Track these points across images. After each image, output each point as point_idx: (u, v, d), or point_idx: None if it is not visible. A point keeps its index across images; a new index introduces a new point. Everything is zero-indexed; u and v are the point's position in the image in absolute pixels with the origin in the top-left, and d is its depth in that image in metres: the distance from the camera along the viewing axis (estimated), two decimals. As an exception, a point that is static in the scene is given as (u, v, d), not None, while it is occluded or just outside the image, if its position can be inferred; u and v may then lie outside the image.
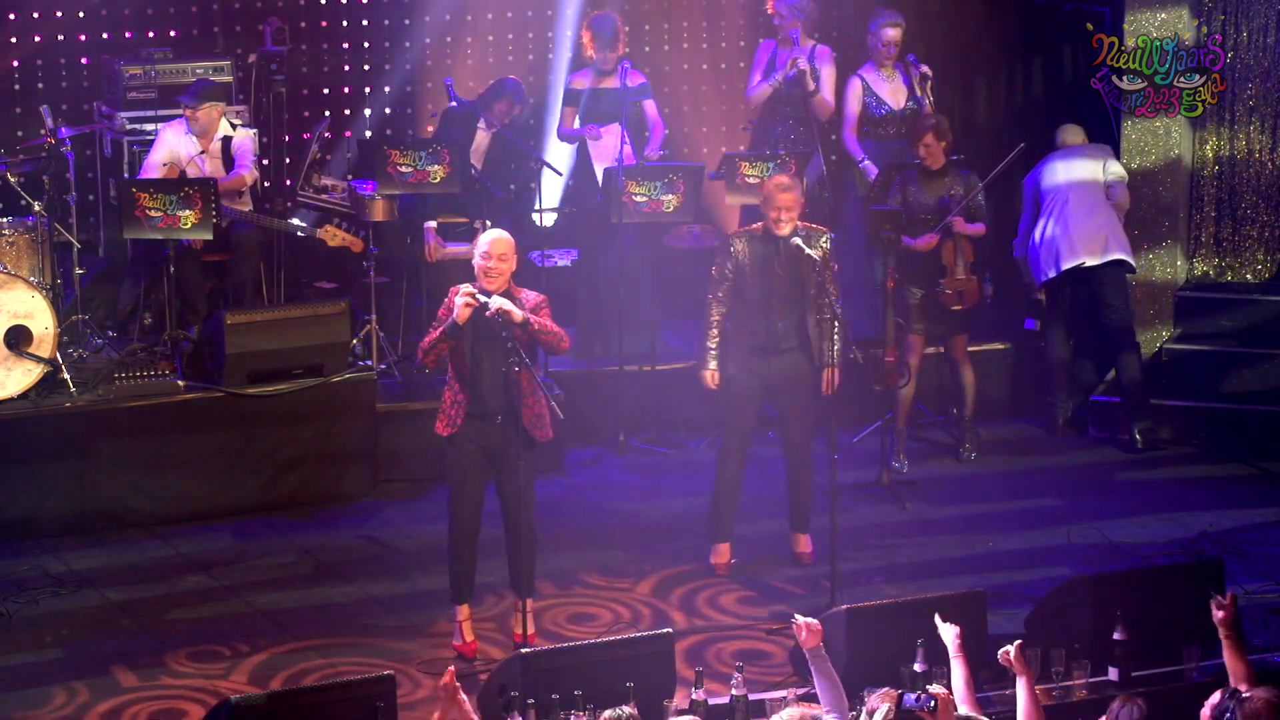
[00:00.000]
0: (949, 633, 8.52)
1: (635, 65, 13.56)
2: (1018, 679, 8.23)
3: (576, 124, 13.42)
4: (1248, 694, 7.87)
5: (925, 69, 13.52)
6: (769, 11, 13.60)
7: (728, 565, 11.25)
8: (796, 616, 8.45)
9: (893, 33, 13.40)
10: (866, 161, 13.40)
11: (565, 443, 12.70)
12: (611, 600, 10.94)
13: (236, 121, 13.10)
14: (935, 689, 7.94)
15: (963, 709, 8.14)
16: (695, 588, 11.08)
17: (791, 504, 11.44)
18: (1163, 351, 13.77)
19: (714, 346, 11.09)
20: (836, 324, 10.90)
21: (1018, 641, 8.31)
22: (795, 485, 11.38)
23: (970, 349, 13.31)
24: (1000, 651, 8.32)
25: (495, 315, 9.85)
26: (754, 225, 11.19)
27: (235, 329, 12.04)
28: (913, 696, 7.90)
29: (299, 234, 12.95)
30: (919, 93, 13.44)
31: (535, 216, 13.81)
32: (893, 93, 13.45)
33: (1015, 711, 8.21)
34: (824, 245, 10.98)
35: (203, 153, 12.76)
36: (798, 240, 10.94)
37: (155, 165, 12.74)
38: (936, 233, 12.62)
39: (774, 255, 10.99)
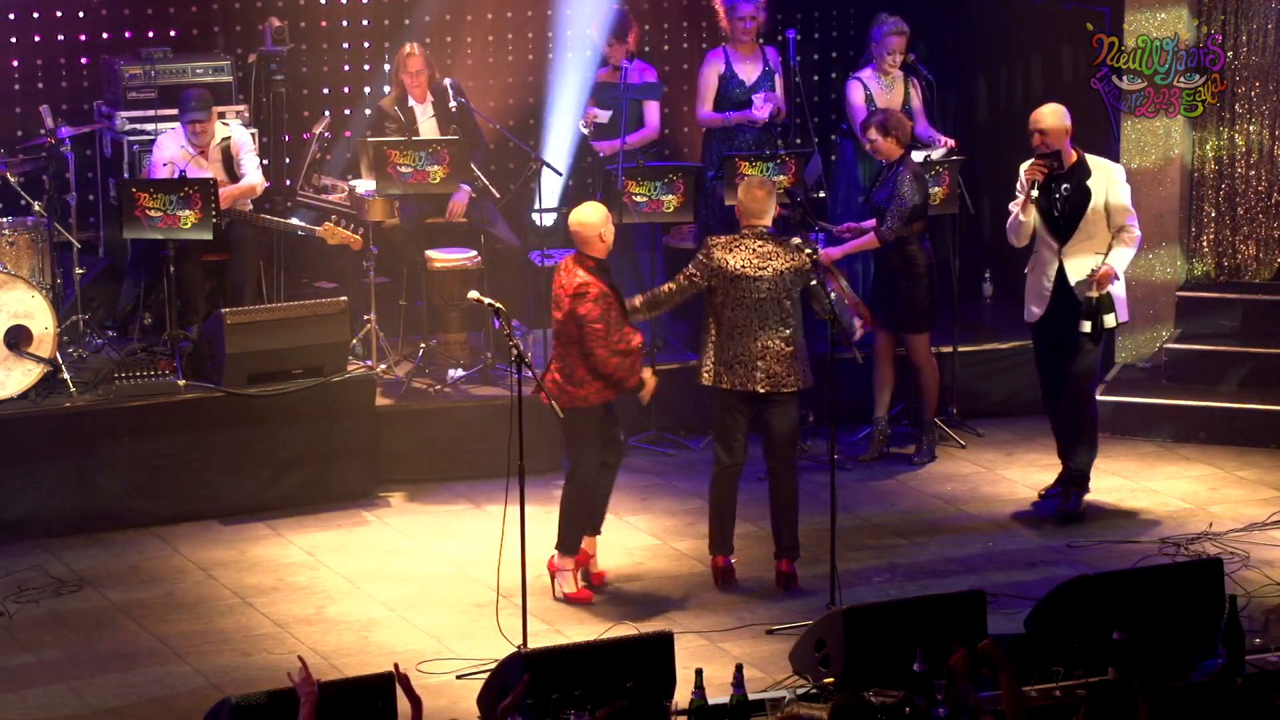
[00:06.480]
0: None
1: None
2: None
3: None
4: None
5: (928, 74, 13.46)
6: (741, 14, 13.40)
7: (727, 572, 10.99)
8: None
9: (897, 41, 13.33)
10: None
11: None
12: (610, 601, 10.93)
13: (232, 121, 13.10)
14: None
15: None
16: (695, 588, 11.07)
17: (785, 529, 10.98)
18: (1163, 351, 13.77)
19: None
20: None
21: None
22: (787, 508, 10.94)
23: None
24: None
25: None
26: (729, 236, 10.80)
27: (235, 329, 12.04)
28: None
29: (299, 233, 12.95)
30: (914, 103, 13.40)
31: (535, 216, 13.81)
32: (889, 102, 13.40)
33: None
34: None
35: (201, 154, 12.76)
36: (797, 240, 10.94)
37: (157, 165, 12.76)
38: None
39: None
